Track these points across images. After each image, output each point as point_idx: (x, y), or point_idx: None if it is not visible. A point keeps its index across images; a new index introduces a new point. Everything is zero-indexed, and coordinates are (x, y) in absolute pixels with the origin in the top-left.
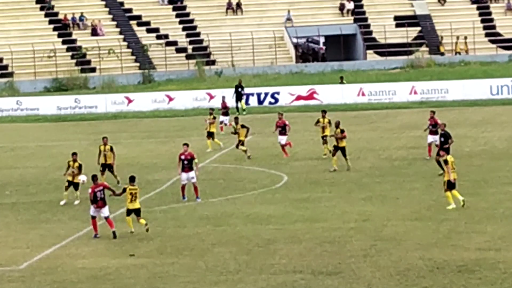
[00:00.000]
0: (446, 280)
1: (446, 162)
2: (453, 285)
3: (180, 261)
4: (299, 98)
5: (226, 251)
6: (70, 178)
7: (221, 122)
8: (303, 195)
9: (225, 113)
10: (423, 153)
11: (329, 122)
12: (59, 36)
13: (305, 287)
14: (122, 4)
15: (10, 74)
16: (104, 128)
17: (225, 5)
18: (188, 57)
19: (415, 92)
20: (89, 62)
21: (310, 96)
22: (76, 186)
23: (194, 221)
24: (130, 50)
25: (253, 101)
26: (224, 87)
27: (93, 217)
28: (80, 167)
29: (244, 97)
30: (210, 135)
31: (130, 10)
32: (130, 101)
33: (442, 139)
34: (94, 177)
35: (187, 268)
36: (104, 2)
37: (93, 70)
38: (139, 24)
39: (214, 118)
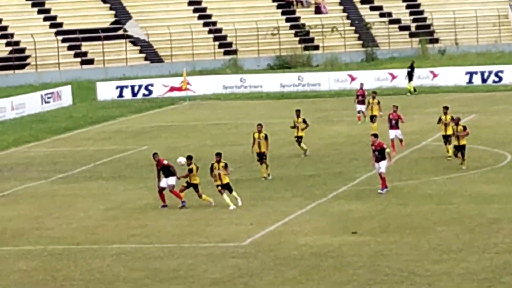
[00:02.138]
0: None
1: None
2: None
3: (402, 239)
4: None
5: (449, 229)
6: (218, 182)
7: (359, 112)
8: None
9: (362, 102)
10: None
11: (453, 119)
12: (282, 14)
13: None
14: None
15: (234, 52)
16: (327, 106)
17: None
18: (412, 35)
19: None
20: (312, 40)
21: None
22: (227, 187)
23: (417, 199)
24: (353, 28)
25: (477, 80)
26: (448, 65)
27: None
28: (226, 166)
29: (413, 78)
30: (372, 118)
31: None
32: (353, 78)
33: None
34: (154, 155)
35: (410, 247)
36: None
37: (316, 48)
38: (362, 2)
39: (379, 102)
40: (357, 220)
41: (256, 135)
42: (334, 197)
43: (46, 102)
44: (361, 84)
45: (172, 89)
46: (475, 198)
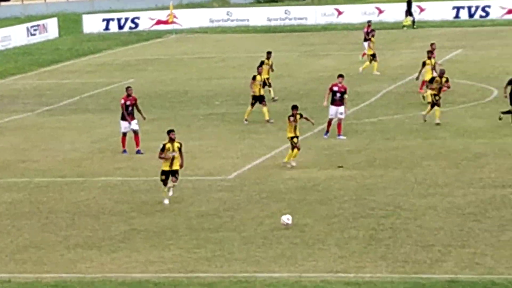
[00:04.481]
0: None
1: None
2: None
3: (388, 173)
4: (510, 11)
5: (435, 164)
6: (166, 168)
7: None
8: None
9: (366, 39)
10: None
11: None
12: None
13: None
14: None
15: None
16: (313, 40)
17: None
18: None
19: None
20: None
21: None
22: (173, 174)
23: (403, 134)
24: None
25: (464, 15)
26: (435, 0)
27: (124, 134)
28: (180, 148)
29: (410, 14)
30: (373, 56)
31: None
32: (340, 13)
33: None
34: (128, 88)
35: (396, 181)
36: None
37: None
38: None
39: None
40: (343, 154)
41: (259, 77)
42: (320, 131)
43: (32, 35)
44: (368, 21)
45: (159, 22)
46: (461, 133)
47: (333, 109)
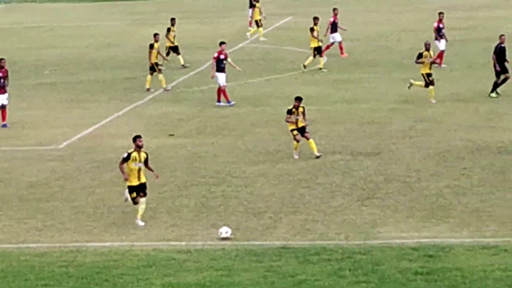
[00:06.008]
0: (486, 161)
1: None
2: (492, 166)
3: (219, 141)
4: None
5: (266, 131)
6: (135, 182)
7: (251, 17)
8: (343, 76)
9: (252, 5)
10: (464, 34)
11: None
12: None
13: (344, 168)
14: None
15: None
16: (144, 9)
17: None
18: None
19: None
20: None
21: None
22: (142, 188)
23: (234, 101)
24: None
25: None
26: None
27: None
28: (146, 160)
29: None
30: (257, 23)
31: None
32: None
33: None
34: (1, 60)
35: (227, 148)
36: None
37: None
38: None
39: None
40: (174, 122)
41: (156, 45)
42: (151, 99)
43: None
44: None
45: None
46: (292, 100)
47: (222, 76)
